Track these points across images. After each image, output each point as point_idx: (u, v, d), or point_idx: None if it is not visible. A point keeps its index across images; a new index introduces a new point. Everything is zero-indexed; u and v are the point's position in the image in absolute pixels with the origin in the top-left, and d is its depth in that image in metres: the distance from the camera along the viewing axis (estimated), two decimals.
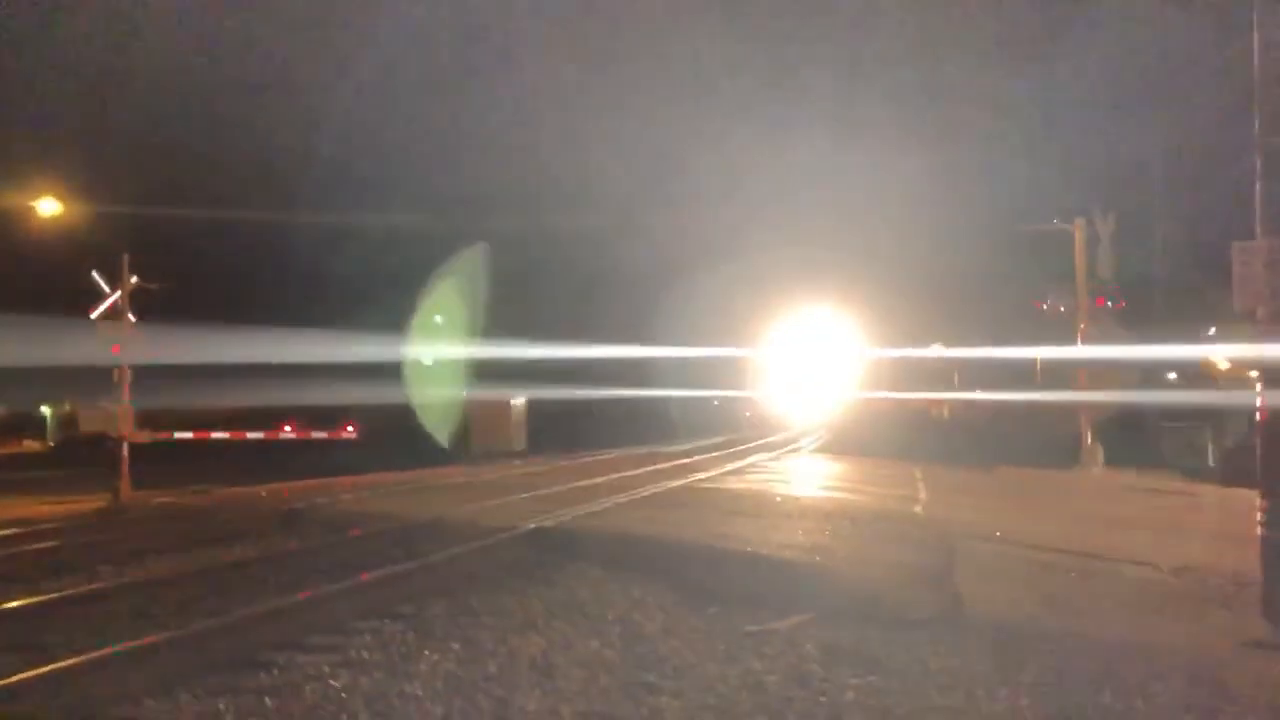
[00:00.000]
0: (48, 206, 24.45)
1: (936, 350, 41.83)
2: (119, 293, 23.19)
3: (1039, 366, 33.72)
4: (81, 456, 30.39)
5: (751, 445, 40.10)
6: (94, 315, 22.95)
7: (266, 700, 5.94)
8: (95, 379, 23.88)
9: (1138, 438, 27.65)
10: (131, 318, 23.32)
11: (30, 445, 54.41)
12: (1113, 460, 26.25)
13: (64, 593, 9.02)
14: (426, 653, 7.11)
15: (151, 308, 23.80)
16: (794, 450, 37.27)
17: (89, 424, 25.47)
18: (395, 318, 35.97)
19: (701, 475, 21.68)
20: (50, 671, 5.98)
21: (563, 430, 40.49)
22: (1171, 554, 11.49)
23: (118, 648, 6.57)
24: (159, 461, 25.72)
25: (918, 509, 15.91)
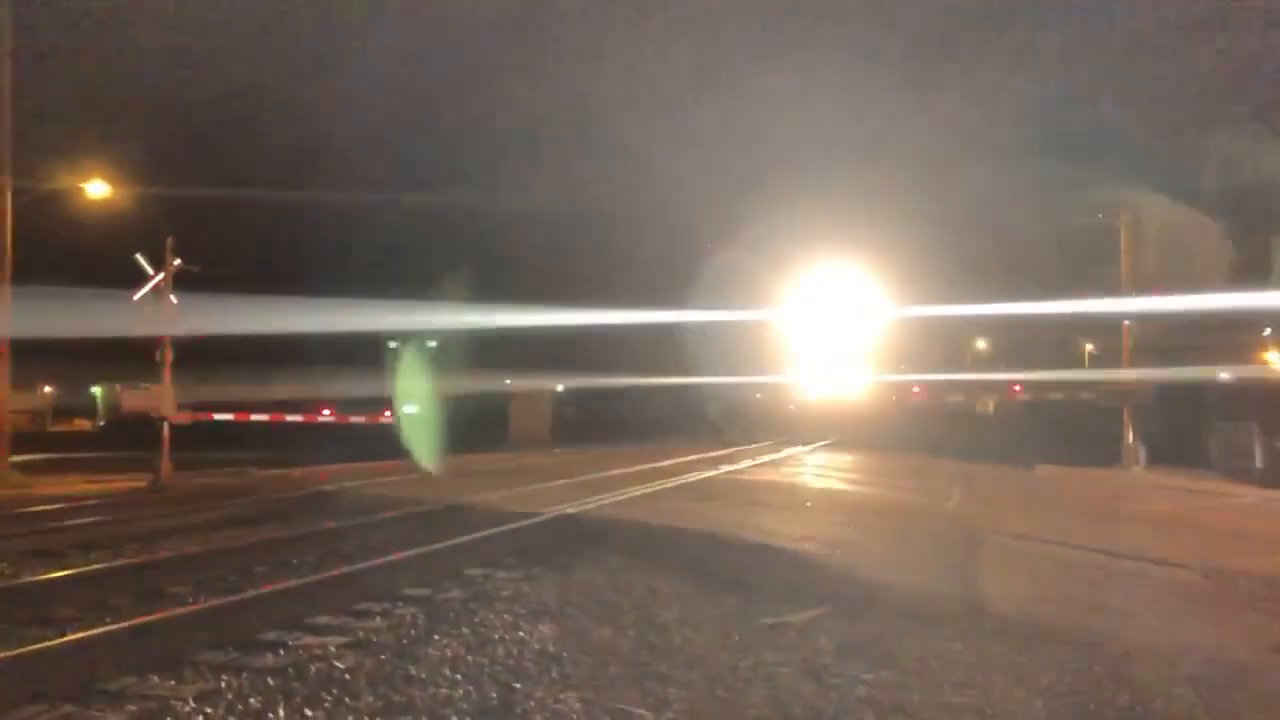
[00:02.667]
0: (96, 189, 24.92)
1: (980, 307, 39.45)
2: (162, 274, 23.49)
3: (1087, 355, 33.24)
4: (128, 436, 30.96)
5: (787, 439, 39.72)
6: (136, 297, 23.27)
7: (269, 679, 5.94)
8: (142, 359, 24.21)
9: (1184, 438, 27.09)
10: (174, 299, 23.62)
11: (81, 424, 55.70)
12: (1157, 460, 25.77)
13: (88, 568, 9.14)
14: (436, 637, 7.08)
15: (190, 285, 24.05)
16: (830, 445, 36.92)
17: (132, 404, 25.89)
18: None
19: (731, 467, 21.57)
20: (58, 644, 6.04)
21: (599, 420, 40.50)
22: (1205, 555, 11.21)
23: (128, 623, 6.63)
24: (202, 442, 26.11)
25: (949, 505, 15.70)
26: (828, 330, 46.00)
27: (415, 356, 36.84)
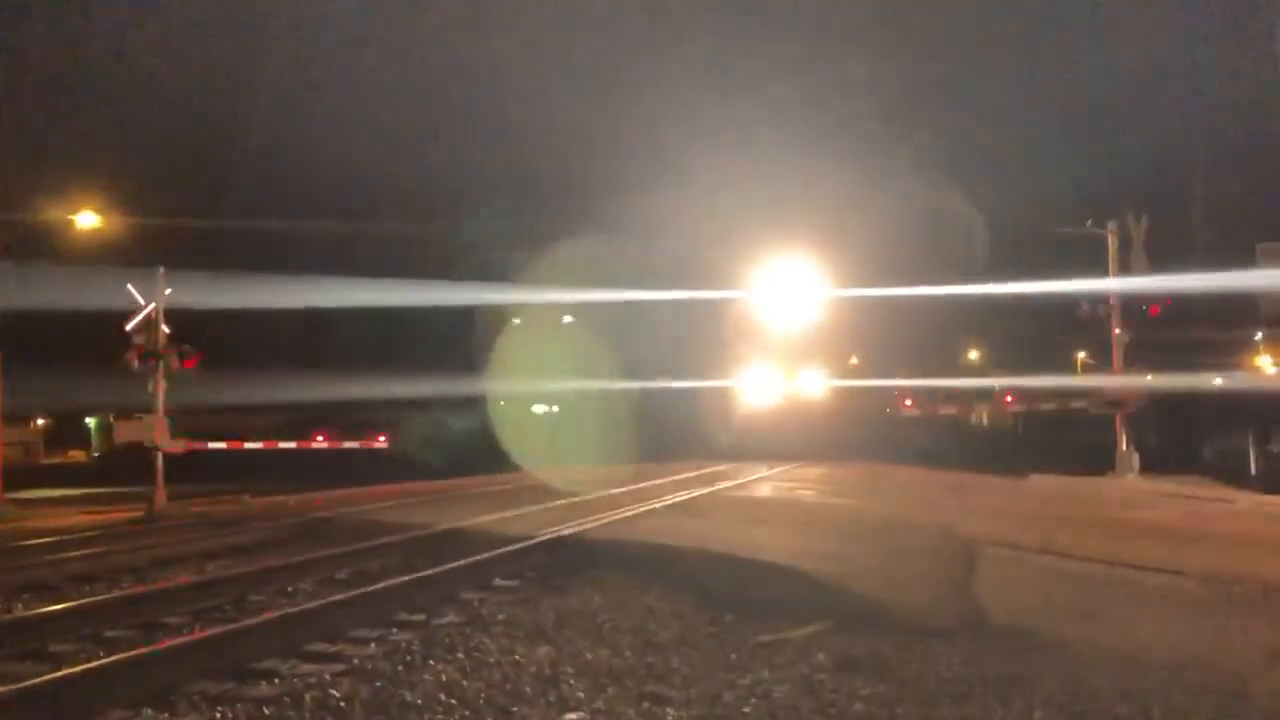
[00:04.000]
0: (86, 220, 24.97)
1: (960, 289, 36.76)
2: (153, 304, 23.41)
3: (1079, 362, 33.36)
4: (124, 467, 30.80)
5: (773, 455, 38.61)
6: (129, 327, 23.20)
7: (264, 709, 5.92)
8: (136, 389, 24.06)
9: (1178, 445, 27.23)
10: (166, 329, 23.55)
11: (75, 455, 55.50)
12: (1151, 467, 25.83)
13: (83, 601, 9.11)
14: (431, 662, 7.06)
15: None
16: (819, 460, 36.65)
17: (125, 434, 25.64)
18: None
19: (726, 484, 21.55)
20: (52, 679, 6.01)
21: (586, 437, 40.17)
22: (1200, 562, 11.21)
23: (122, 655, 6.62)
24: (197, 470, 26.06)
25: (943, 517, 15.69)
26: (802, 330, 42.50)
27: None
